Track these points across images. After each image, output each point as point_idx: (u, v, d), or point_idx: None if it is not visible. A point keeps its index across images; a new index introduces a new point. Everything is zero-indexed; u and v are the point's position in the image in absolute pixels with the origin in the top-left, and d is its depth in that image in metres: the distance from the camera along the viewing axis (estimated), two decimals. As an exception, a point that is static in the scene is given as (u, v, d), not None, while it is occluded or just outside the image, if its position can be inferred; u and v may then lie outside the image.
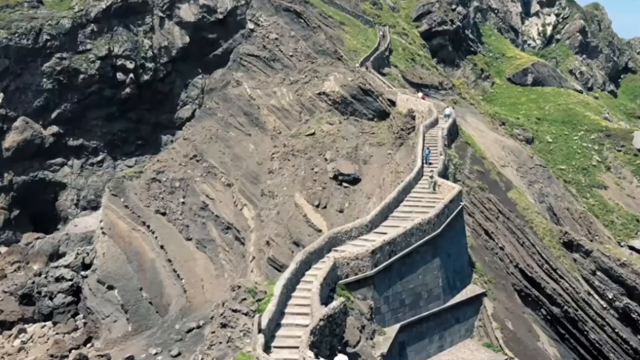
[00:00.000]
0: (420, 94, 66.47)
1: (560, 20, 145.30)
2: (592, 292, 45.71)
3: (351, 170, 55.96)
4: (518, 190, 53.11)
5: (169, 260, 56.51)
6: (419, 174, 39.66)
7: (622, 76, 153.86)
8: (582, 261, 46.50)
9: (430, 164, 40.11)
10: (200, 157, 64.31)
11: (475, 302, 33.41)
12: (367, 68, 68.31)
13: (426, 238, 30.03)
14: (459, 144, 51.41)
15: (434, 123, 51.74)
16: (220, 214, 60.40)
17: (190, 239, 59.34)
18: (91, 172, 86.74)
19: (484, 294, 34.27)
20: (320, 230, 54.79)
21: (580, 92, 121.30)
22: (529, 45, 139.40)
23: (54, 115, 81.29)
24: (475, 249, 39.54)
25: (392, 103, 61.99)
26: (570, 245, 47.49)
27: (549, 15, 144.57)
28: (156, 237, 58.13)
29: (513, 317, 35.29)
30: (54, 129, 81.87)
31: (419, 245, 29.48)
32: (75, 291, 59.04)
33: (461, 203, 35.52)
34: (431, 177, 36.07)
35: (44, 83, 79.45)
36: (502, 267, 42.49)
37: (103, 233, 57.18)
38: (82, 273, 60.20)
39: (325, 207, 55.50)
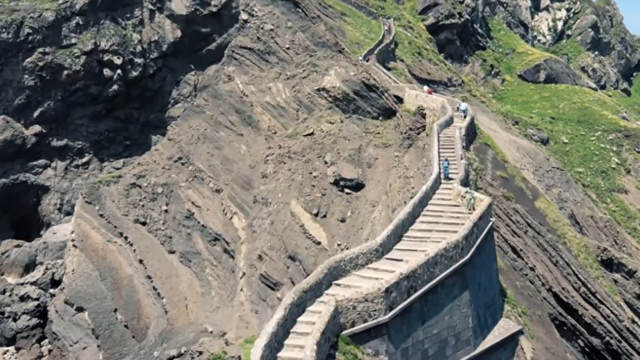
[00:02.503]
0: (425, 88, 61.37)
1: (571, 15, 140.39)
2: (637, 319, 39.19)
3: (354, 175, 52.28)
4: (546, 198, 46.67)
5: (149, 277, 50.95)
6: (437, 182, 33.16)
7: (634, 74, 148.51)
8: (624, 283, 40.16)
9: (450, 178, 33.29)
10: (186, 159, 58.97)
11: (510, 342, 26.92)
12: (368, 61, 63.33)
13: (453, 267, 23.58)
14: (477, 146, 45.12)
15: (449, 122, 45.60)
16: (207, 224, 55.61)
17: (173, 252, 54.03)
18: (76, 174, 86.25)
19: (520, 332, 27.72)
20: (319, 243, 49.74)
21: (595, 89, 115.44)
22: (539, 41, 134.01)
23: (36, 113, 78.33)
24: (504, 272, 33.03)
25: (399, 100, 57.57)
26: (609, 264, 41.05)
27: (560, 9, 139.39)
28: (134, 250, 52.56)
29: (556, 360, 28.79)
30: (37, 128, 78.78)
31: (445, 277, 22.98)
32: (42, 312, 52.71)
33: (491, 219, 28.97)
34: (467, 191, 29.05)
35: (26, 79, 76.86)
36: (533, 290, 36.04)
37: (74, 246, 50.79)
38: (51, 291, 53.80)
39: (324, 216, 51.15)
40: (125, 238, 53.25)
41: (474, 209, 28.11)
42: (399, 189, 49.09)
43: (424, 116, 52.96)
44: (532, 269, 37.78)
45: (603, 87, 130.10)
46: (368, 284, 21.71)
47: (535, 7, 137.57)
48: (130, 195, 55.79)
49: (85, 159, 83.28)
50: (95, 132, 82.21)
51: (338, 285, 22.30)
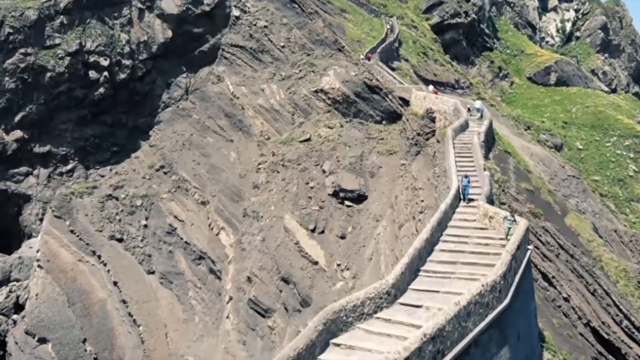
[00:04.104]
0: (430, 88, 57.72)
1: (580, 16, 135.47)
2: (689, 358, 33.40)
3: (355, 186, 48.72)
4: (576, 214, 41.08)
5: (124, 301, 46.30)
6: (457, 198, 27.34)
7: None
8: (672, 314, 34.26)
9: (470, 200, 27.14)
10: (169, 168, 54.73)
11: (556, 405, 21.08)
12: (369, 59, 59.76)
13: (490, 317, 17.79)
14: (497, 153, 39.57)
15: (464, 126, 40.03)
16: (191, 240, 51.43)
17: (152, 273, 49.81)
18: (60, 182, 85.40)
19: (566, 390, 21.96)
20: (316, 263, 44.91)
21: (608, 93, 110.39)
22: (547, 42, 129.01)
23: (17, 118, 76.32)
24: (537, 306, 27.22)
25: (405, 102, 54.34)
26: (654, 292, 35.27)
27: (568, 10, 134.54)
28: (108, 271, 48.09)
29: None
30: (18, 134, 76.70)
31: (480, 332, 17.16)
32: (2, 342, 47.02)
33: (529, 248, 23.22)
34: (507, 218, 22.83)
35: (6, 82, 75.07)
36: (569, 325, 30.30)
37: (39, 267, 45.17)
38: (14, 317, 48.15)
39: (322, 232, 47.17)
40: (99, 257, 48.28)
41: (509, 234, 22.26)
42: (406, 202, 44.55)
43: (433, 120, 48.74)
44: (566, 299, 32.11)
45: (614, 91, 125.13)
46: (378, 344, 16.06)
47: (543, 8, 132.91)
48: (106, 209, 50.92)
49: (69, 166, 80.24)
50: (80, 137, 79.52)
51: (337, 345, 16.54)
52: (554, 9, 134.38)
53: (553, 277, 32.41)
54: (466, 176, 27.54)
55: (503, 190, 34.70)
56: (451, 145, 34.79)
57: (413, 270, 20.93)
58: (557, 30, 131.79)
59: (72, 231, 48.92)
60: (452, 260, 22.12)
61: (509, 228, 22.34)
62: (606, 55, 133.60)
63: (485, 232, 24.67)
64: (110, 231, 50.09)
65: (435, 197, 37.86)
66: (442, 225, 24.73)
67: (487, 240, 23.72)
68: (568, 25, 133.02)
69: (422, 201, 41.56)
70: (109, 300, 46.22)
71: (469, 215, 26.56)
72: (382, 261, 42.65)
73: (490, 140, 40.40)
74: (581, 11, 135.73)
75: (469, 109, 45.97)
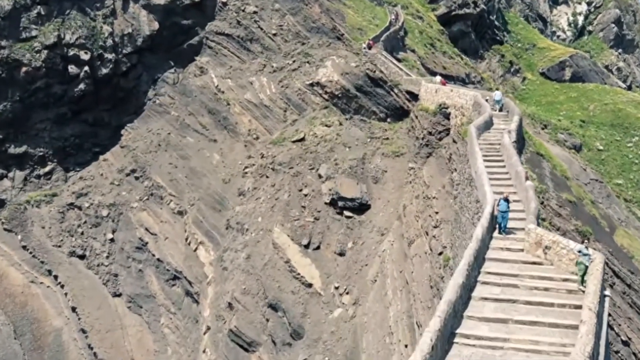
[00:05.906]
0: (438, 78, 53.47)
1: (592, 9, 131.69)
2: None
3: (356, 193, 45.75)
4: (626, 231, 34.56)
5: (83, 331, 42.22)
6: (492, 219, 20.40)
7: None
8: None
9: (508, 231, 19.92)
10: (142, 172, 51.13)
11: None
12: (370, 48, 56.45)
13: None
14: (529, 157, 33.05)
15: (489, 123, 33.45)
16: (164, 257, 47.14)
17: (118, 295, 46.04)
18: (37, 186, 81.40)
19: None
20: (310, 285, 41.47)
21: (626, 89, 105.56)
22: (558, 37, 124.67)
23: None
24: None
25: (414, 97, 51.40)
26: None
27: (580, 3, 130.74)
28: (66, 294, 44.10)
29: None
30: None
31: None
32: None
33: (606, 294, 16.36)
34: (581, 252, 15.91)
35: None
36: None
37: (-18, 289, 39.07)
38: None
39: (317, 248, 43.37)
40: (55, 277, 43.92)
41: (583, 282, 15.33)
42: (417, 214, 39.91)
43: (447, 116, 43.77)
44: (625, 343, 25.80)
45: (629, 88, 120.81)
46: None
47: (554, 1, 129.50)
48: (66, 220, 46.28)
49: (47, 168, 76.73)
50: (59, 137, 76.64)
51: None
52: (565, 2, 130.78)
53: (609, 314, 25.74)
54: (506, 199, 20.15)
55: (542, 203, 28.00)
56: (477, 146, 28.13)
57: (447, 334, 14.01)
58: (569, 24, 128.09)
59: (24, 247, 44.35)
60: (501, 317, 15.25)
61: (586, 267, 15.35)
62: (620, 50, 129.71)
63: (540, 268, 17.84)
64: (71, 246, 46.19)
65: (455, 210, 31.54)
66: (478, 259, 17.82)
67: (545, 283, 16.88)
68: (580, 19, 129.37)
69: (437, 213, 35.83)
70: (65, 329, 41.54)
71: (512, 242, 19.71)
72: (388, 284, 37.09)
73: (520, 140, 33.75)
74: (594, 4, 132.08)
75: (486, 100, 40.14)
